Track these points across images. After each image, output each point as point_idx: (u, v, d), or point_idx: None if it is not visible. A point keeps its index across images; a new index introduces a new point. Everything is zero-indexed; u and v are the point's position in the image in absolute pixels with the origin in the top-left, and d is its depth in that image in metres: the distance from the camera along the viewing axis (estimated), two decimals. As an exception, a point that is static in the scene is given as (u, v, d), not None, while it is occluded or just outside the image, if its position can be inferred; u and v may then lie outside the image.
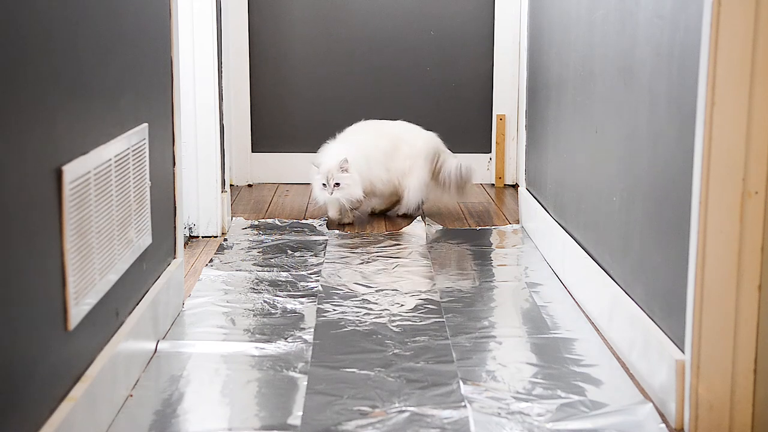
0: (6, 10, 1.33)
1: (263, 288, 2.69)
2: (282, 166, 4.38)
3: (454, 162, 3.62)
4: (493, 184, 4.39)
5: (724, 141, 1.69)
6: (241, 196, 4.12)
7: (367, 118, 4.26)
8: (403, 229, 3.45)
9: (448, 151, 3.70)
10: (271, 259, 3.01)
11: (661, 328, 1.96)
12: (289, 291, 2.66)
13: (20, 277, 1.39)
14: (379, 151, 3.58)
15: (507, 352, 2.21)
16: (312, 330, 2.33)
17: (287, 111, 4.37)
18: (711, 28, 1.66)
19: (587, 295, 2.49)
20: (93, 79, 1.74)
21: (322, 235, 3.35)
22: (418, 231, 3.40)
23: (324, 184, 3.39)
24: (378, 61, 4.34)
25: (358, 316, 2.45)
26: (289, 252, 3.09)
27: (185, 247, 3.16)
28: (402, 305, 2.54)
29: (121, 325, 1.94)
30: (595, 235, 2.50)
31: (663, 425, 1.81)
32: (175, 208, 2.46)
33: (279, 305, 2.53)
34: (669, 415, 1.84)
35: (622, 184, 2.25)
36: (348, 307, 2.53)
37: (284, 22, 4.31)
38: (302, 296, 2.61)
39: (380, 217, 3.68)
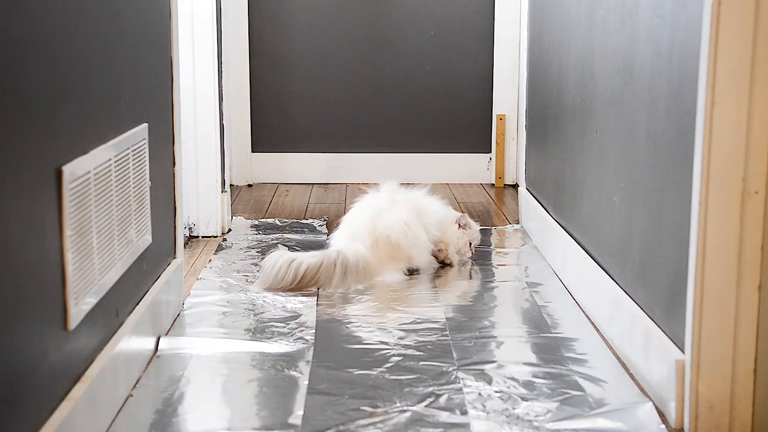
0: (6, 10, 1.33)
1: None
2: (282, 166, 4.38)
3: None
4: (493, 184, 4.39)
5: (724, 141, 1.69)
6: (241, 196, 4.12)
7: (366, 117, 4.28)
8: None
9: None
10: (271, 259, 3.01)
11: (661, 328, 1.96)
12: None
13: (20, 277, 1.39)
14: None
15: (507, 352, 2.21)
16: (312, 329, 2.33)
17: (287, 111, 4.37)
18: (711, 28, 1.66)
19: (587, 295, 2.49)
20: (93, 79, 1.74)
21: (322, 234, 3.35)
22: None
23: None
24: (378, 61, 4.34)
25: (358, 315, 2.45)
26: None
27: (185, 247, 3.15)
28: (402, 304, 2.54)
29: (121, 325, 1.94)
30: (595, 235, 2.50)
31: (663, 425, 1.81)
32: (175, 208, 2.46)
33: (279, 305, 2.53)
34: (669, 414, 1.84)
35: (622, 184, 2.25)
36: (348, 305, 2.53)
37: (284, 22, 4.31)
38: (302, 295, 2.61)
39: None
